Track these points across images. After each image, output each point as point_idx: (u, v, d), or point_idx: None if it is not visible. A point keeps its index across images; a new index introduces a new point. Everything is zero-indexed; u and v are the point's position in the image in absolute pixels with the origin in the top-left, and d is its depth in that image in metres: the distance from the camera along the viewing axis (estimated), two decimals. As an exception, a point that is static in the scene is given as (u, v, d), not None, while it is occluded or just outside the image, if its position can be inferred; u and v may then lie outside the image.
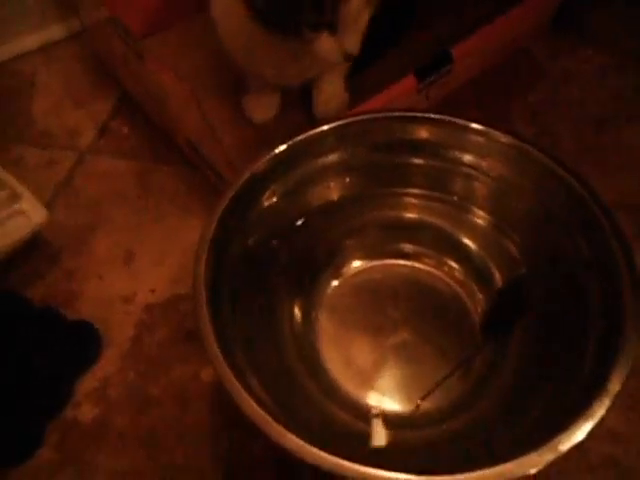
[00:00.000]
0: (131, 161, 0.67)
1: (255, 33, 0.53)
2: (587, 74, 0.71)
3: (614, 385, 0.32)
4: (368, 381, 0.47)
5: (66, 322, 0.54)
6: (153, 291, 0.57)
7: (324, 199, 0.50)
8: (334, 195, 0.51)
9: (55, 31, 0.81)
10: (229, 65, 0.63)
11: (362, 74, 0.63)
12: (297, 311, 0.49)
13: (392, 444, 0.41)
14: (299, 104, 0.67)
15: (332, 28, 0.50)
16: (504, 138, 0.45)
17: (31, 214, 0.56)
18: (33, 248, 0.58)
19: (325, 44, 0.51)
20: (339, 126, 0.47)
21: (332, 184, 0.50)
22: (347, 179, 0.50)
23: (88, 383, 0.52)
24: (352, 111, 0.52)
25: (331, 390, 0.46)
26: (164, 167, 0.67)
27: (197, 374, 0.52)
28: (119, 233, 0.61)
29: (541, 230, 0.45)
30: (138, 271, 0.59)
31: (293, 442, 0.32)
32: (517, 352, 0.44)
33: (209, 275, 0.40)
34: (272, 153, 0.46)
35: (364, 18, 0.52)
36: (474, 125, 0.46)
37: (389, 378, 0.47)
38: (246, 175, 0.45)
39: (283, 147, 0.46)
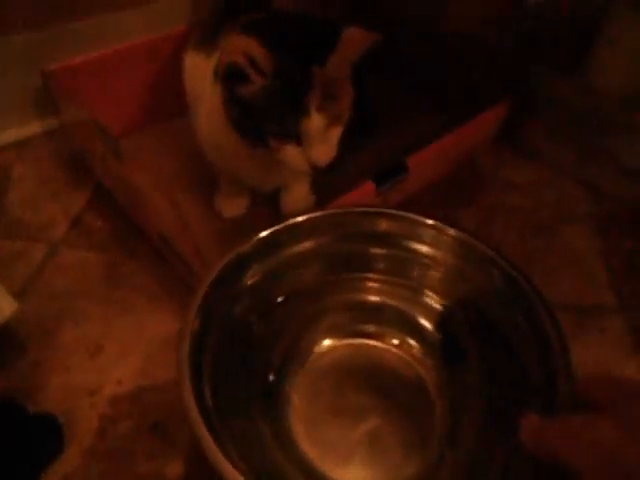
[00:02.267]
0: (102, 253, 0.69)
1: (235, 142, 0.58)
2: (525, 183, 0.80)
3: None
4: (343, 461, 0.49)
5: (28, 416, 0.53)
6: (119, 383, 0.57)
7: (298, 282, 0.56)
8: (307, 278, 0.57)
9: (33, 127, 0.85)
10: (203, 165, 0.68)
11: (327, 179, 0.69)
12: (271, 379, 0.53)
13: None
14: (268, 203, 0.71)
15: (297, 140, 0.55)
16: (452, 232, 0.53)
17: (0, 306, 0.56)
18: (-1, 339, 0.58)
19: (290, 154, 0.56)
20: (313, 217, 0.54)
21: (305, 269, 0.56)
22: (318, 265, 0.56)
23: (48, 481, 0.51)
24: (325, 206, 0.58)
25: (303, 464, 0.49)
26: (135, 260, 0.69)
27: (161, 470, 0.52)
28: (87, 325, 0.62)
29: (483, 308, 0.52)
30: (105, 363, 0.59)
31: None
32: (470, 432, 0.49)
33: (194, 350, 0.44)
34: (257, 237, 0.52)
35: (334, 133, 0.57)
36: (428, 220, 0.54)
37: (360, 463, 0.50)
38: (233, 254, 0.50)
39: (266, 233, 0.53)
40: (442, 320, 0.55)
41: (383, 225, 0.55)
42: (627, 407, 0.30)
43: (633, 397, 0.30)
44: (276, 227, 0.53)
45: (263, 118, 0.54)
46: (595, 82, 0.85)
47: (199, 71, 0.63)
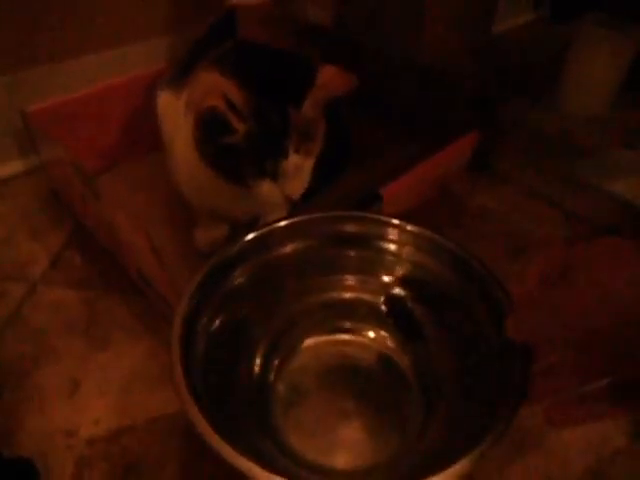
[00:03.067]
0: (82, 291, 0.70)
1: (211, 177, 0.59)
2: (499, 208, 0.81)
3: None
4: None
5: (3, 460, 0.53)
6: (97, 423, 0.57)
7: (281, 283, 0.59)
8: (289, 280, 0.60)
9: (15, 165, 0.86)
10: (180, 201, 0.68)
11: (302, 209, 0.70)
12: (257, 366, 0.57)
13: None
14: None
15: (273, 178, 0.57)
16: (417, 229, 0.57)
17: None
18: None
19: (266, 190, 0.57)
20: (293, 222, 0.58)
21: (287, 270, 0.59)
22: (299, 266, 0.59)
23: (22, 527, 0.50)
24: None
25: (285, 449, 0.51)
26: (114, 296, 0.69)
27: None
28: (64, 363, 0.62)
29: (442, 290, 0.56)
30: (82, 402, 0.59)
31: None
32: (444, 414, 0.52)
33: (183, 350, 0.46)
34: (243, 240, 0.55)
35: (307, 167, 0.59)
36: (394, 220, 0.58)
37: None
38: (220, 256, 0.53)
39: (251, 236, 0.55)
40: (404, 306, 0.59)
41: (355, 227, 0.59)
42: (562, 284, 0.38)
43: (570, 270, 0.38)
44: (261, 230, 0.56)
45: (241, 160, 0.55)
46: (564, 105, 0.87)
47: (172, 108, 0.64)
